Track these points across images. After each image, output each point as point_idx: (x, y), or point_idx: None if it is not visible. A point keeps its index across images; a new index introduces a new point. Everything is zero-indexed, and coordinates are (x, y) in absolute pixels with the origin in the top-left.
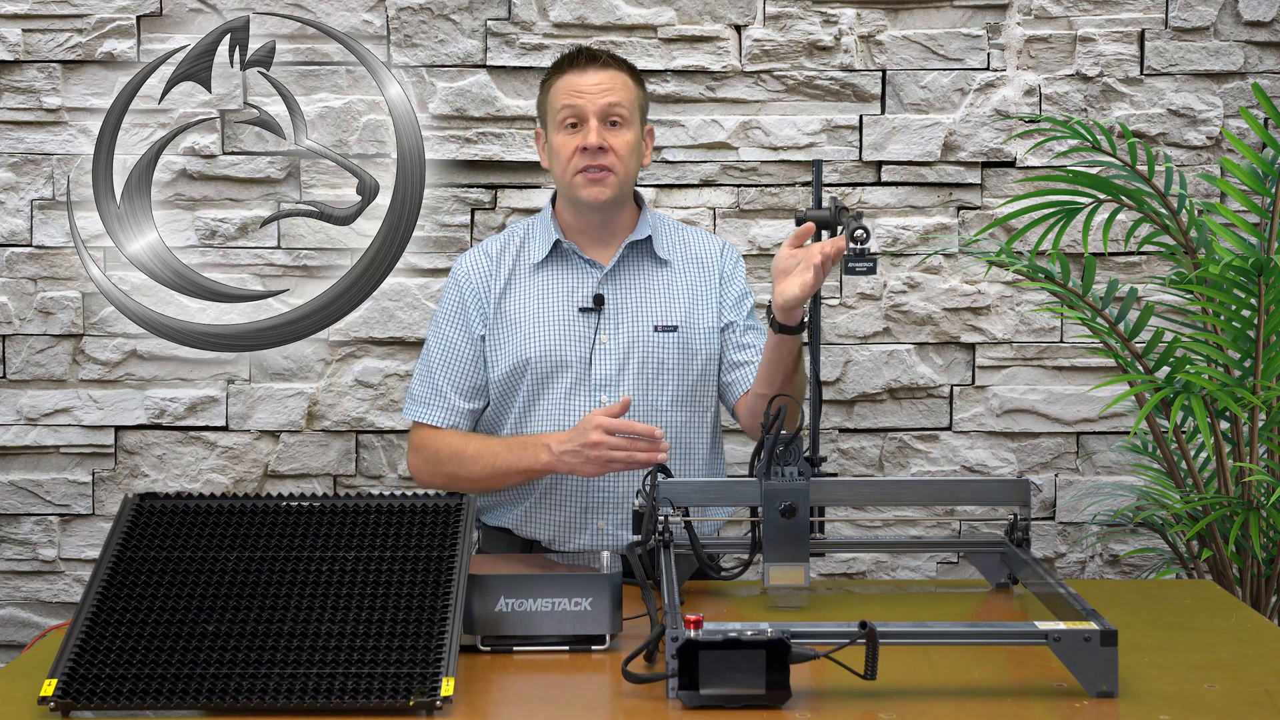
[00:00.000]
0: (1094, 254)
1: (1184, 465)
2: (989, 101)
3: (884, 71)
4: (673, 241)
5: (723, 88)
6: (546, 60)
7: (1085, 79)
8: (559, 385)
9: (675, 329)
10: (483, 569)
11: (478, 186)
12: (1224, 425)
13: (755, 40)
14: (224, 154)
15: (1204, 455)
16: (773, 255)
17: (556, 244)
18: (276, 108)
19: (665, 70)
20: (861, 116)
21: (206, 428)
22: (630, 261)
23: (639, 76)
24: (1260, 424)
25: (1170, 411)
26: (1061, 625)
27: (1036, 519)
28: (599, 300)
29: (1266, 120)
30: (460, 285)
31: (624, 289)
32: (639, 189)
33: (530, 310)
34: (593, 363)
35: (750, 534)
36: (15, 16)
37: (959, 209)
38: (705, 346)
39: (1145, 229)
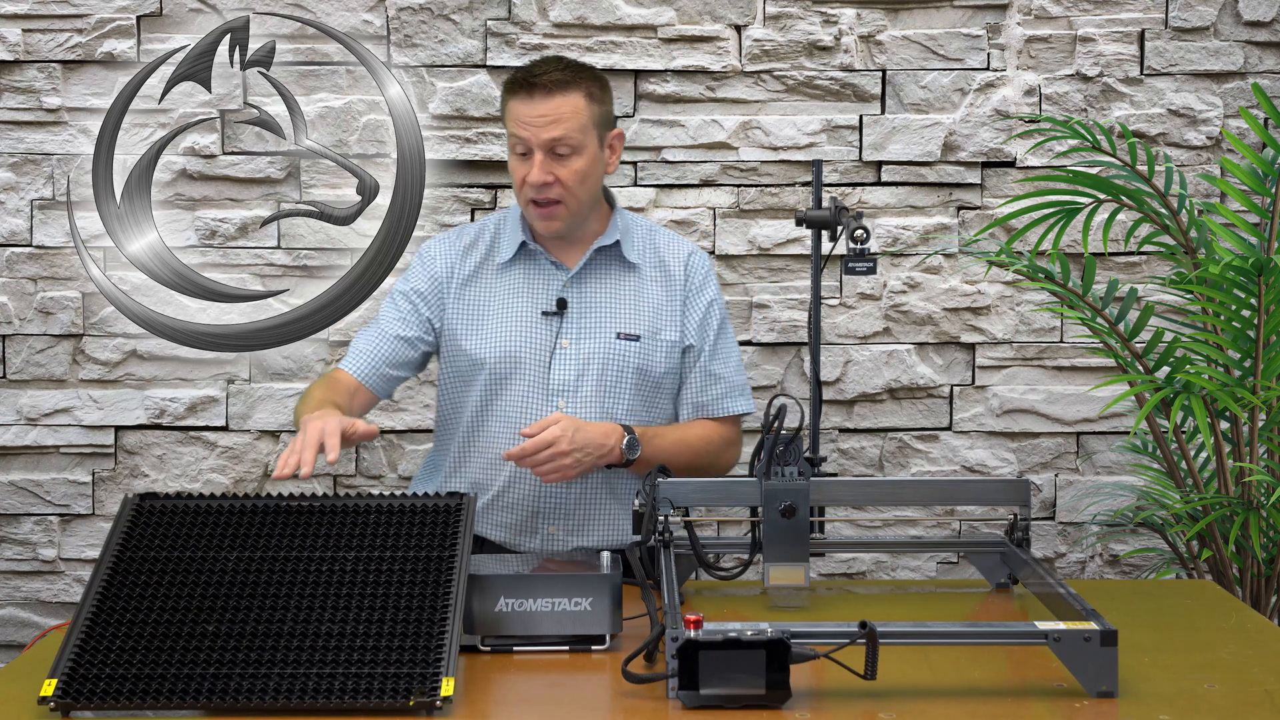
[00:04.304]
0: (1094, 254)
1: (1184, 465)
2: (989, 101)
3: (884, 71)
4: (642, 245)
5: (723, 88)
6: None
7: (1085, 79)
8: (516, 387)
9: (638, 339)
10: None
11: (478, 186)
12: (1224, 425)
13: (755, 40)
14: (224, 154)
15: (1204, 455)
16: (773, 255)
17: (523, 245)
18: (276, 108)
19: (665, 70)
20: (861, 116)
21: (206, 428)
22: (597, 265)
23: (597, 86)
24: (1260, 424)
25: (1170, 411)
26: (1061, 625)
27: (1036, 519)
28: (562, 304)
29: (1266, 120)
30: (430, 271)
31: (589, 293)
32: (610, 189)
33: (493, 309)
34: (552, 367)
35: (750, 534)
36: (15, 16)
37: (959, 209)
38: (665, 360)
39: (1145, 229)
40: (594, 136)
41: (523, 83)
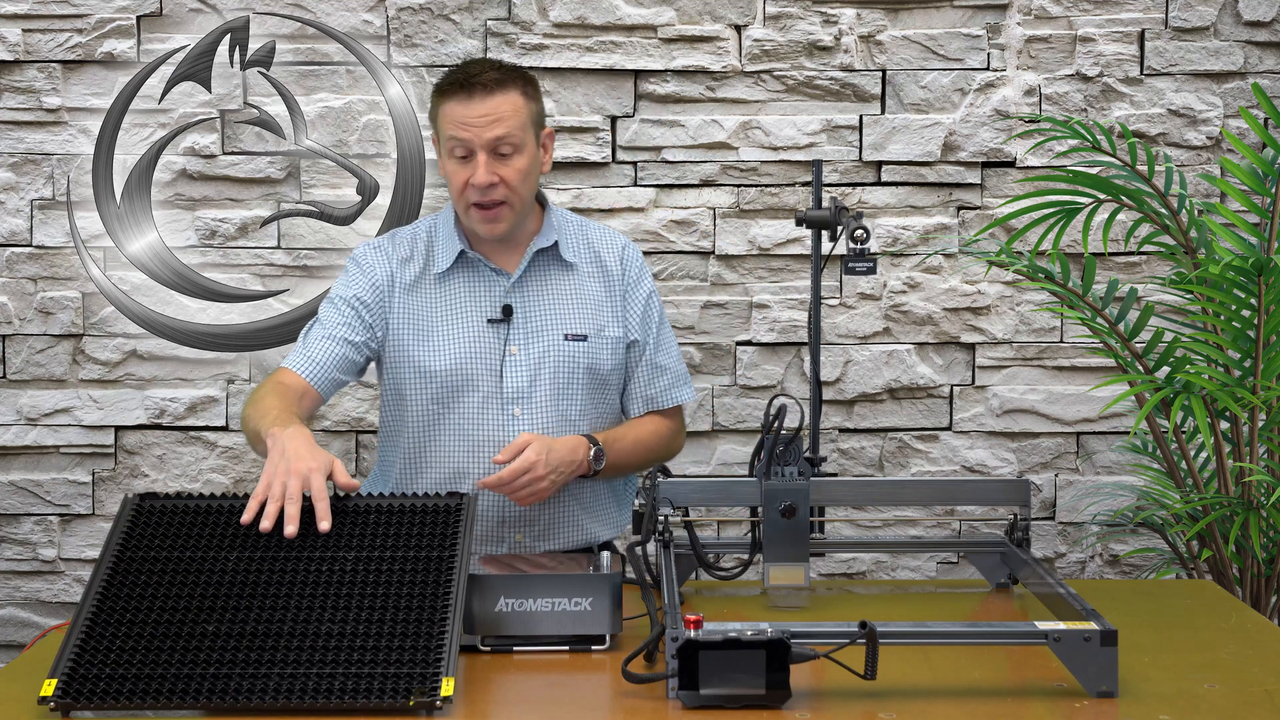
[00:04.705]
0: (1094, 254)
1: (1184, 465)
2: (989, 101)
3: (884, 71)
4: (576, 243)
5: (723, 88)
6: (547, 60)
7: (1085, 79)
8: (471, 399)
9: (585, 338)
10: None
11: None
12: (1224, 425)
13: (755, 40)
14: (224, 154)
15: (1204, 455)
16: (773, 255)
17: (462, 254)
18: (276, 108)
19: (665, 70)
20: (861, 116)
21: (206, 428)
22: (538, 268)
23: (530, 86)
24: (1260, 424)
25: (1170, 411)
26: (1061, 625)
27: (1036, 519)
28: (507, 311)
29: (1266, 120)
30: (371, 279)
31: (532, 297)
32: (544, 190)
33: (438, 321)
34: (504, 375)
35: (750, 534)
36: (15, 16)
37: (959, 209)
38: (612, 357)
39: (1145, 229)
40: (532, 135)
41: (460, 84)
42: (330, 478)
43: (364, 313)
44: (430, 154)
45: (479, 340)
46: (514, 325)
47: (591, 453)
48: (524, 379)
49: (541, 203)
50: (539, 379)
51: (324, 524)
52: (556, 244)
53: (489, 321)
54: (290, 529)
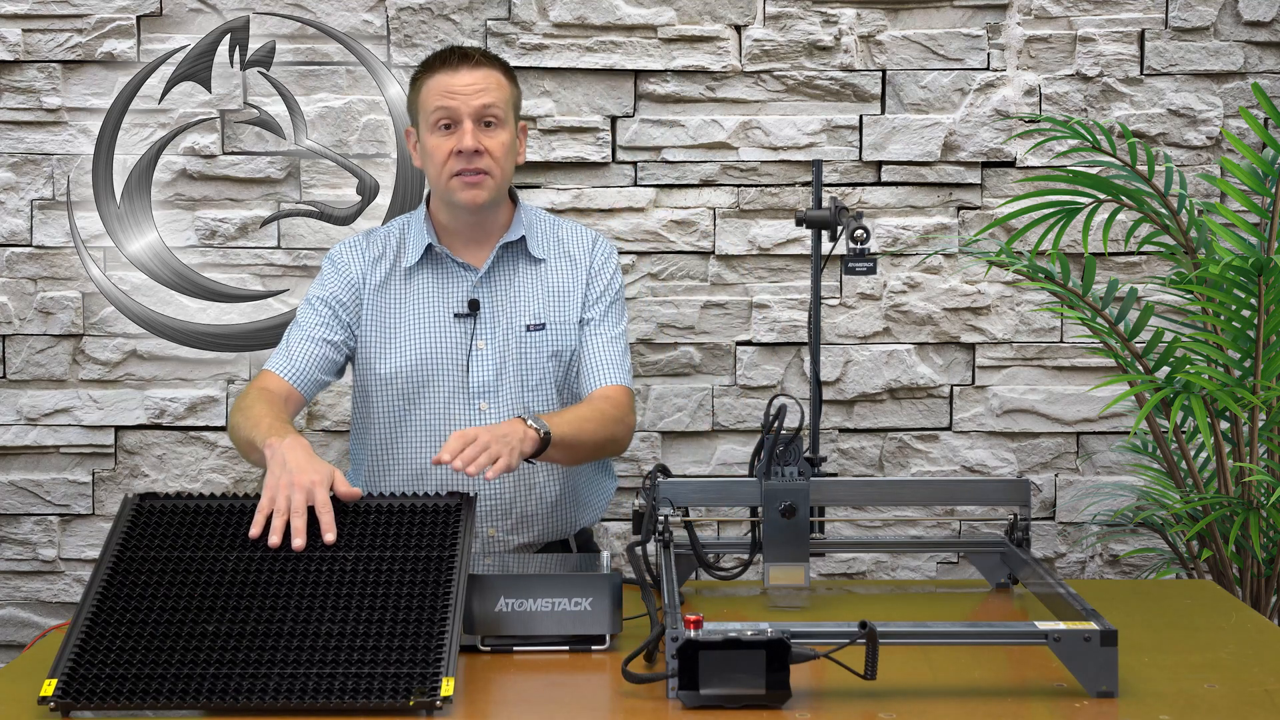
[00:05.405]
0: (1094, 254)
1: (1184, 465)
2: (989, 101)
3: (884, 71)
4: (547, 238)
5: (723, 88)
6: (547, 60)
7: (1085, 79)
8: (437, 394)
9: (543, 326)
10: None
11: None
12: (1224, 425)
13: (755, 40)
14: (224, 154)
15: (1204, 455)
16: (773, 255)
17: (429, 248)
18: (276, 108)
19: (665, 70)
20: (861, 116)
21: (206, 428)
22: (504, 263)
23: (512, 73)
24: (1260, 424)
25: (1170, 411)
26: (1061, 625)
27: (1036, 519)
28: (474, 305)
29: (1266, 120)
30: (347, 278)
31: (498, 291)
32: (516, 188)
33: (406, 317)
34: (470, 369)
35: (750, 534)
36: (15, 16)
37: (959, 209)
38: (572, 344)
39: (1145, 229)
40: (511, 118)
41: (446, 58)
42: (331, 488)
43: (341, 312)
44: None
45: (445, 335)
46: (480, 319)
47: (526, 421)
48: (490, 373)
49: (513, 198)
50: (504, 372)
51: (329, 535)
52: (524, 239)
53: (455, 316)
54: (298, 542)
